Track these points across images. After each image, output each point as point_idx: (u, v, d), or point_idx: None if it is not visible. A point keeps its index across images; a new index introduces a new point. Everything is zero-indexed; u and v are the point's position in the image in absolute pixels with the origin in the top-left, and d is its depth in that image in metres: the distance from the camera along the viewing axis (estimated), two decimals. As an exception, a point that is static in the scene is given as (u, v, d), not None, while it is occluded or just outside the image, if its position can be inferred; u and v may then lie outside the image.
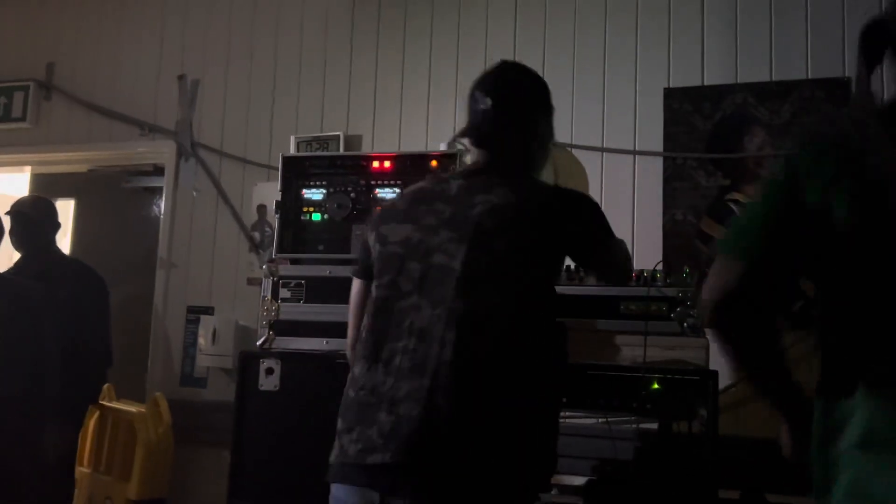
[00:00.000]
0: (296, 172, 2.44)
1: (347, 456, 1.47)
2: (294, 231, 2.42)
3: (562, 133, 3.10)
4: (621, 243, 1.81)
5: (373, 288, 1.60)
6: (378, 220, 1.68)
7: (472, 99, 1.71)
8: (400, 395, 1.44)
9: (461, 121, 3.10)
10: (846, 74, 2.80)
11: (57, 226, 3.40)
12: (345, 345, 1.77)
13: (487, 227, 1.53)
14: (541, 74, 3.08)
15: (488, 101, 1.66)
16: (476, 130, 1.70)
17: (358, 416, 1.48)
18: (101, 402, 3.30)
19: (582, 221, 1.66)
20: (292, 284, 2.31)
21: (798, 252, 1.17)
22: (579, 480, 2.31)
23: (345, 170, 2.38)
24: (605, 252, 1.72)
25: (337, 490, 1.51)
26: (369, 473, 1.43)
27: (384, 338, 1.51)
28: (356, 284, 1.72)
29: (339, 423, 1.53)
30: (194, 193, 3.60)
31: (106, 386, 3.34)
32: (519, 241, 1.55)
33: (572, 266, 2.30)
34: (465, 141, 1.78)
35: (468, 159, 1.80)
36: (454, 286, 1.48)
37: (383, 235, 1.62)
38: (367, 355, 1.53)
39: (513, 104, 1.69)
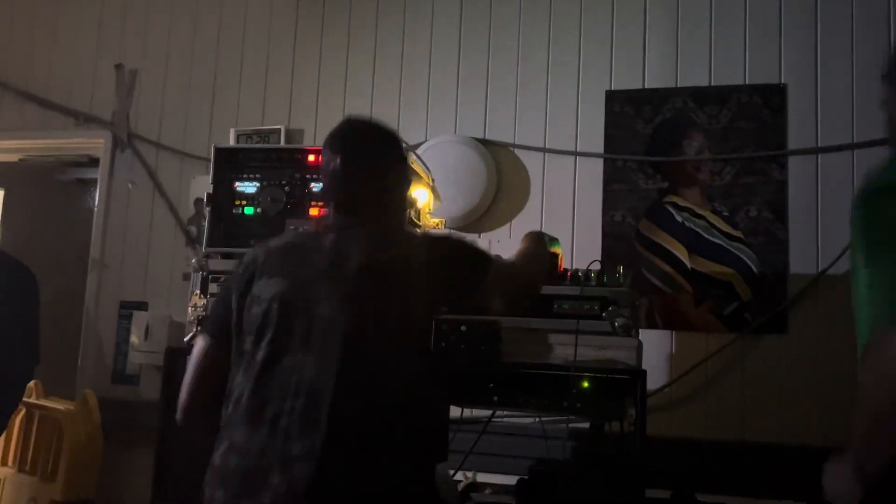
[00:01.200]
0: (229, 164, 2.38)
1: None
2: (226, 225, 2.36)
3: (505, 133, 3.12)
4: (508, 267, 1.84)
5: (251, 351, 1.55)
6: (247, 279, 1.62)
7: (325, 157, 1.73)
8: (292, 454, 1.41)
9: (405, 117, 3.13)
10: (782, 81, 2.85)
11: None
12: (179, 405, 1.66)
13: (365, 281, 1.54)
14: (485, 76, 3.13)
15: (338, 162, 1.69)
16: (331, 192, 1.73)
17: (245, 484, 1.43)
18: (27, 399, 3.20)
19: (453, 265, 1.67)
20: (222, 279, 2.25)
21: None
22: (511, 479, 2.31)
23: (280, 163, 2.33)
24: (487, 286, 1.71)
25: None
26: None
27: (268, 399, 1.48)
28: (203, 344, 1.65)
29: (219, 494, 1.46)
30: (130, 186, 3.50)
31: (33, 383, 3.23)
32: (396, 293, 1.57)
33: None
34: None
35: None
36: (340, 342, 1.48)
37: (255, 295, 1.58)
38: (250, 419, 1.48)
39: (361, 163, 1.71)
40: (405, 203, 1.85)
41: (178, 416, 1.67)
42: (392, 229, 1.74)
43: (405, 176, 1.82)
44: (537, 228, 2.98)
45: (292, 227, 2.22)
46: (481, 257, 1.74)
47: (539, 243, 2.01)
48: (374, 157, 1.73)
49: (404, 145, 1.84)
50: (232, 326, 1.60)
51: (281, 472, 1.40)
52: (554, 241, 2.12)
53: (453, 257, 1.68)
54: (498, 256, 1.91)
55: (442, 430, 1.63)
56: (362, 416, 1.45)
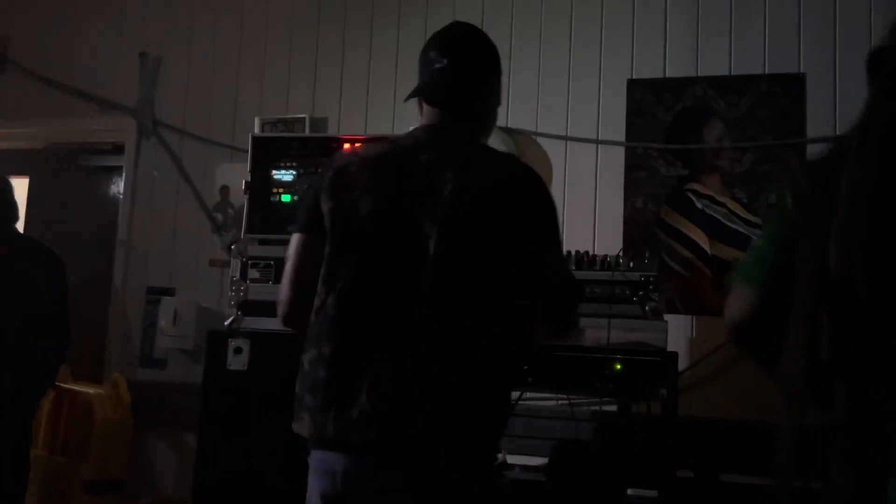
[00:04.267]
0: (265, 153, 2.43)
1: (326, 432, 1.48)
2: (263, 212, 2.42)
3: (527, 121, 3.17)
4: (570, 275, 1.73)
5: (335, 260, 1.56)
6: (339, 187, 1.60)
7: (426, 58, 1.69)
8: (379, 376, 1.45)
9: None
10: (801, 70, 2.90)
11: (13, 204, 3.32)
12: (280, 301, 1.65)
13: (459, 209, 1.51)
14: (507, 65, 3.17)
15: (444, 61, 1.65)
16: (432, 89, 1.67)
17: (334, 396, 1.48)
18: (57, 382, 3.26)
19: (545, 211, 1.62)
20: (261, 265, 2.31)
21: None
22: (540, 461, 2.38)
23: (316, 151, 2.39)
24: (551, 262, 1.62)
25: (319, 456, 1.52)
26: (353, 450, 1.46)
27: (355, 317, 1.51)
28: (301, 239, 1.63)
29: (308, 399, 1.51)
30: (155, 173, 3.55)
31: (62, 367, 3.29)
32: (489, 223, 1.54)
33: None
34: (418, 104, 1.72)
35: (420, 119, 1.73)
36: (429, 270, 1.48)
37: (345, 206, 1.57)
38: (337, 334, 1.51)
39: (469, 64, 1.68)
40: (496, 118, 1.79)
41: (280, 311, 1.66)
42: (485, 146, 1.69)
43: (500, 89, 1.78)
44: (559, 216, 3.04)
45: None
46: (556, 237, 1.64)
47: None
48: (482, 63, 1.71)
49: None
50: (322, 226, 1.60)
51: (368, 391, 1.45)
52: None
53: (541, 208, 1.61)
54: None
55: (507, 412, 1.59)
56: (448, 348, 1.47)
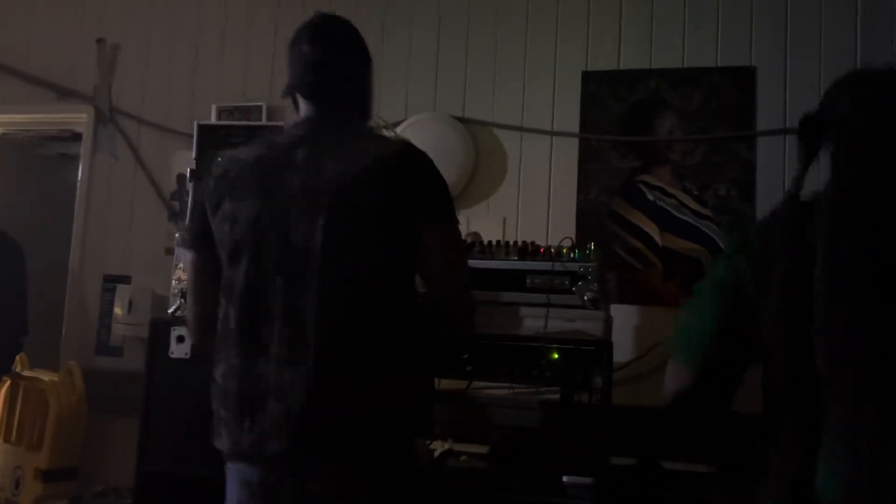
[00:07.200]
0: (212, 141, 2.43)
1: (241, 445, 1.49)
2: (208, 200, 2.41)
3: (483, 112, 3.18)
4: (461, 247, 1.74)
5: (228, 270, 1.55)
6: (219, 193, 1.59)
7: (297, 51, 1.67)
8: (285, 382, 1.45)
9: (385, 94, 3.17)
10: (752, 63, 2.93)
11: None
12: (189, 327, 1.70)
13: (339, 199, 1.50)
14: (464, 56, 3.19)
15: (317, 52, 1.64)
16: (307, 82, 1.65)
17: (246, 407, 1.48)
18: (13, 370, 3.25)
19: (430, 184, 1.61)
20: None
21: (748, 345, 1.26)
22: (484, 448, 2.41)
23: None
24: (450, 239, 1.62)
25: (236, 468, 1.53)
26: (268, 460, 1.47)
27: (257, 325, 1.50)
28: (194, 257, 1.64)
29: (223, 413, 1.52)
30: (112, 161, 3.53)
31: (19, 355, 3.28)
32: (372, 208, 1.52)
33: (486, 241, 2.38)
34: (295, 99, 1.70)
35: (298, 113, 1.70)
36: (317, 266, 1.47)
37: (230, 212, 1.55)
38: (242, 344, 1.51)
39: (341, 54, 1.67)
40: (372, 101, 1.78)
41: (192, 337, 1.69)
42: (366, 131, 1.70)
43: (372, 73, 1.76)
44: (514, 206, 3.08)
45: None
46: (452, 213, 1.63)
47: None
48: (356, 53, 1.70)
49: None
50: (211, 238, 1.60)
51: (276, 398, 1.45)
52: None
53: (424, 181, 1.60)
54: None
55: (425, 402, 1.61)
56: (346, 345, 1.47)
